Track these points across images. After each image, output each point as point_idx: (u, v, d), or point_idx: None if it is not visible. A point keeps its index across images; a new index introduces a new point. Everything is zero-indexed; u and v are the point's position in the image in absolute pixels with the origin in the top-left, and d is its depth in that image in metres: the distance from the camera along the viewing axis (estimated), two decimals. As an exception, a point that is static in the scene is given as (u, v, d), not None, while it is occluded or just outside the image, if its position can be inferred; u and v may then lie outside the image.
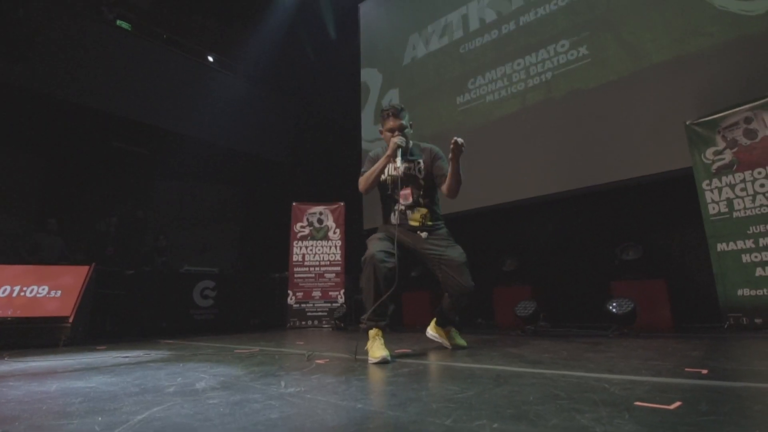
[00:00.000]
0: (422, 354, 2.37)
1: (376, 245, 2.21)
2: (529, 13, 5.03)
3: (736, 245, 3.19)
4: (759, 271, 3.06)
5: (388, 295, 2.13)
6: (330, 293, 5.60)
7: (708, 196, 3.37)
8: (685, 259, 3.94)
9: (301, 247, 5.73)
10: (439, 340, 2.60)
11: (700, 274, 3.74)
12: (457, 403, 1.16)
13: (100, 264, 4.32)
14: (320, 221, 5.84)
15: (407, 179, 2.39)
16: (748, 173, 3.18)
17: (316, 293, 5.59)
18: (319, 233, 5.80)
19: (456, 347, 2.54)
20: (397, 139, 2.31)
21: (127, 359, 2.47)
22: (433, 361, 2.09)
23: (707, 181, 3.39)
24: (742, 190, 3.20)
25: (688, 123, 3.52)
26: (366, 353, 2.10)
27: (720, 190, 3.31)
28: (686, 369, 1.57)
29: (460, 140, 2.15)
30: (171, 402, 1.27)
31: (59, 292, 3.72)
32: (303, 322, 5.47)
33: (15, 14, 5.46)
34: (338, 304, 5.52)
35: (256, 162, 8.28)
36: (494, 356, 2.16)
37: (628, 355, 1.99)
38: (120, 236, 6.00)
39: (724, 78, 3.64)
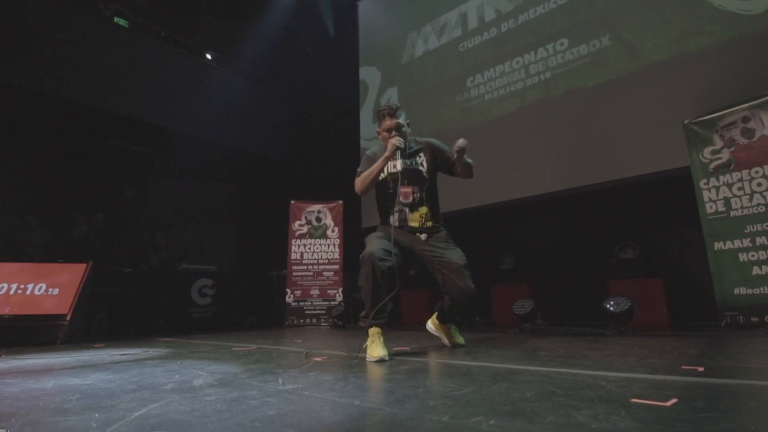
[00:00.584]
0: (420, 352, 2.37)
1: (374, 243, 2.20)
2: (528, 12, 5.03)
3: (733, 244, 3.20)
4: (756, 270, 3.07)
5: (391, 296, 2.13)
6: (328, 291, 5.60)
7: (705, 195, 3.38)
8: (683, 257, 3.96)
9: (299, 246, 5.73)
10: (438, 335, 2.60)
11: (697, 272, 3.75)
12: (455, 399, 1.16)
13: (90, 260, 4.30)
14: (318, 219, 5.84)
15: (410, 175, 2.35)
16: (745, 172, 3.18)
17: (315, 291, 5.59)
18: (317, 231, 5.80)
19: (454, 345, 2.53)
20: (396, 141, 2.28)
21: (124, 357, 2.47)
22: (431, 358, 2.10)
23: (705, 180, 3.39)
24: (739, 189, 3.21)
25: (686, 122, 3.52)
26: (365, 351, 2.10)
27: (717, 189, 3.32)
28: (683, 366, 1.57)
29: (459, 146, 2.15)
30: (168, 399, 1.27)
31: (57, 290, 3.72)
32: (301, 321, 5.47)
33: (12, 11, 5.43)
34: (336, 303, 5.52)
35: (254, 160, 8.26)
36: (492, 354, 2.16)
37: (625, 353, 2.00)
38: (109, 230, 5.94)
39: (723, 77, 3.64)
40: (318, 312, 5.52)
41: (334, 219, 5.85)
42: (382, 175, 2.35)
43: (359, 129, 6.69)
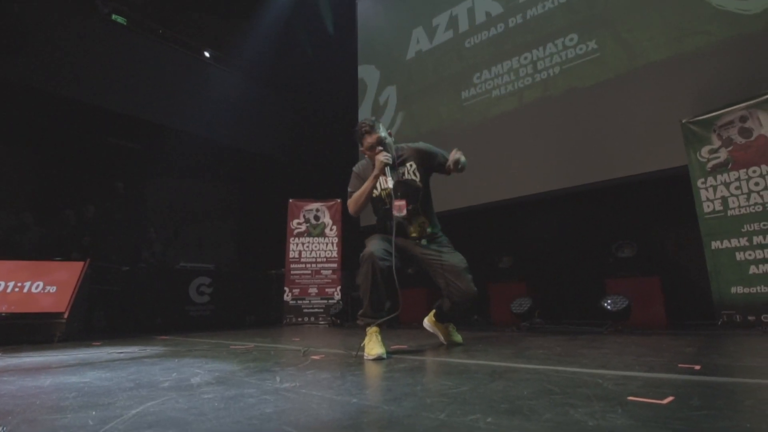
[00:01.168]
0: (418, 350, 2.37)
1: (375, 244, 2.20)
2: (526, 11, 5.03)
3: (731, 243, 3.21)
4: (753, 269, 3.08)
5: (395, 301, 2.14)
6: (326, 290, 5.60)
7: (703, 194, 3.39)
8: (680, 256, 3.97)
9: (297, 244, 5.72)
10: (435, 333, 2.60)
11: (694, 271, 3.77)
12: (452, 397, 1.16)
13: (79, 254, 4.29)
14: (317, 218, 5.84)
15: (403, 187, 2.31)
16: (743, 172, 3.19)
17: (313, 290, 5.59)
18: (315, 230, 5.79)
19: (452, 343, 2.54)
20: (383, 157, 2.21)
21: (122, 355, 2.47)
22: (429, 357, 2.10)
23: (702, 180, 3.40)
24: (736, 188, 3.22)
25: (684, 121, 3.53)
26: (363, 350, 2.10)
27: (715, 188, 3.33)
28: (679, 365, 1.58)
29: (454, 159, 2.15)
30: (165, 397, 1.27)
31: (54, 288, 3.71)
32: (299, 319, 5.47)
33: (9, 8, 5.40)
34: (335, 301, 5.52)
35: (252, 158, 8.25)
36: (489, 352, 2.16)
37: (622, 351, 2.01)
38: (106, 228, 5.91)
39: (721, 77, 3.65)
40: (316, 310, 5.53)
41: (332, 217, 5.85)
42: (375, 192, 2.32)
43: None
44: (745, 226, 3.15)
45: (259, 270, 6.36)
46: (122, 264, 5.35)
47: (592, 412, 0.97)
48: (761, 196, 3.09)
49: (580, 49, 4.50)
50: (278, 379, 1.53)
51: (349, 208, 2.38)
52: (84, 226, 5.46)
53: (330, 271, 5.69)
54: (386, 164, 2.21)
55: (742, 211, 3.17)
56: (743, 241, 3.15)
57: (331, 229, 5.80)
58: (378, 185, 2.29)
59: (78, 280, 3.83)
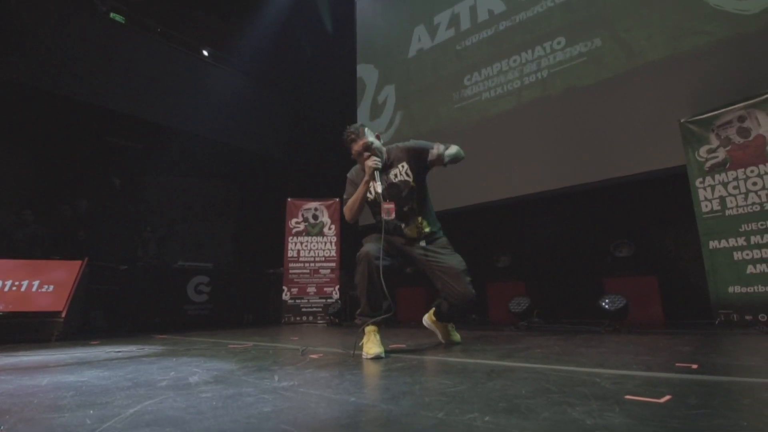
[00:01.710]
0: (416, 349, 2.37)
1: (371, 243, 2.20)
2: (525, 11, 5.03)
3: (728, 243, 3.22)
4: (750, 269, 3.09)
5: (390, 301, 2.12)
6: (325, 289, 5.60)
7: (701, 193, 3.39)
8: (678, 256, 3.98)
9: (296, 243, 5.72)
10: (434, 331, 2.59)
11: (692, 271, 3.78)
12: (450, 396, 1.16)
13: (76, 251, 4.27)
14: (315, 217, 5.83)
15: (396, 189, 2.29)
16: (740, 171, 3.20)
17: (311, 289, 5.59)
18: (314, 229, 5.79)
19: (450, 343, 2.54)
20: (371, 162, 2.19)
21: (119, 354, 2.46)
22: (427, 356, 2.10)
23: (700, 179, 3.41)
24: (734, 188, 3.22)
25: (682, 121, 3.54)
26: (361, 349, 2.10)
27: (713, 188, 3.34)
28: (677, 364, 1.58)
29: (434, 155, 2.16)
30: (163, 396, 1.26)
31: (51, 287, 3.70)
32: (298, 318, 5.47)
33: (7, 6, 5.38)
34: (333, 300, 5.52)
35: (251, 157, 8.24)
36: (487, 351, 2.17)
37: (620, 351, 2.01)
38: (104, 227, 5.89)
39: (719, 76, 3.65)
40: (315, 310, 5.52)
41: (330, 217, 5.85)
42: (370, 197, 2.29)
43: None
44: (742, 226, 3.15)
45: (257, 269, 6.36)
46: (120, 263, 5.34)
47: (589, 411, 0.97)
48: (759, 196, 3.10)
49: (579, 48, 4.50)
50: (276, 378, 1.53)
51: (345, 216, 2.37)
52: (78, 221, 5.44)
53: (328, 270, 5.69)
54: (375, 169, 2.19)
55: (740, 210, 3.18)
56: (741, 241, 3.16)
57: (329, 229, 5.80)
58: (372, 190, 2.27)
59: (75, 279, 3.82)
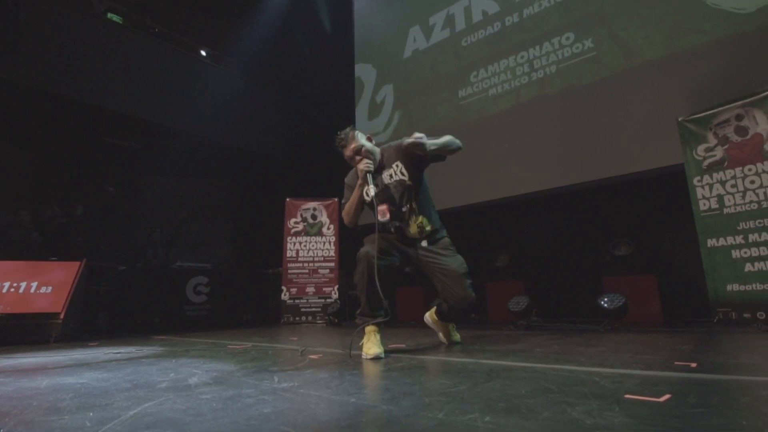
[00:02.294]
0: (416, 349, 2.37)
1: (372, 243, 2.18)
2: (523, 10, 5.03)
3: (726, 241, 3.22)
4: (748, 267, 3.10)
5: (390, 302, 2.14)
6: (324, 289, 5.60)
7: (699, 192, 3.40)
8: (676, 254, 3.99)
9: (294, 243, 5.71)
10: (435, 330, 2.59)
11: (690, 269, 3.79)
12: (450, 396, 1.17)
13: (74, 252, 4.27)
14: (314, 217, 5.83)
15: (392, 190, 2.26)
16: (738, 170, 3.21)
17: (310, 289, 5.59)
18: (313, 229, 5.79)
19: (451, 342, 2.54)
20: (362, 165, 2.18)
21: (119, 355, 2.46)
22: (427, 356, 2.10)
23: (698, 178, 3.41)
24: (732, 186, 3.23)
25: (680, 119, 3.54)
26: (361, 349, 2.10)
27: (711, 186, 3.34)
28: (676, 362, 1.59)
29: (408, 143, 2.03)
30: (163, 397, 1.26)
31: (50, 288, 3.69)
32: (297, 318, 5.47)
33: (4, 6, 5.36)
34: (332, 300, 5.52)
35: (249, 157, 8.23)
36: (487, 351, 2.17)
37: (619, 349, 2.01)
38: (96, 222, 5.86)
39: (716, 75, 3.66)
40: (314, 309, 5.52)
41: (329, 216, 5.84)
42: (367, 199, 2.24)
43: (355, 126, 6.66)
44: (740, 224, 3.16)
45: (256, 269, 6.35)
46: (119, 263, 5.33)
47: (589, 411, 0.97)
48: (757, 194, 3.11)
49: (577, 47, 4.51)
50: (276, 379, 1.53)
51: (345, 220, 2.35)
52: (75, 226, 5.43)
53: (327, 270, 5.68)
54: (366, 171, 2.18)
55: (738, 209, 3.19)
56: (739, 239, 3.16)
57: (328, 228, 5.80)
58: (368, 193, 2.23)
59: (74, 280, 3.81)
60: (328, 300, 5.54)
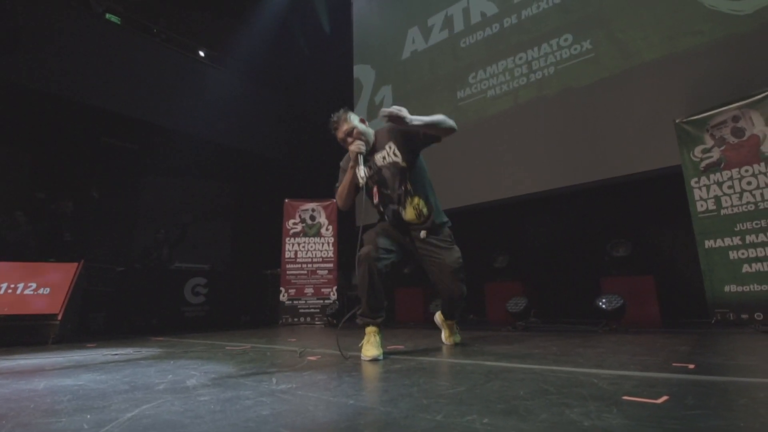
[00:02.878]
0: (415, 350, 2.37)
1: (370, 242, 2.17)
2: (521, 11, 5.04)
3: (724, 242, 3.23)
4: (746, 268, 3.11)
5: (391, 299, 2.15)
6: (322, 290, 5.59)
7: (696, 193, 3.41)
8: (674, 255, 4.00)
9: (293, 244, 5.71)
10: (440, 327, 2.63)
11: (688, 270, 3.79)
12: (448, 398, 1.17)
13: (71, 253, 4.26)
14: (313, 218, 5.83)
15: (386, 172, 2.20)
16: (735, 171, 3.22)
17: (309, 290, 5.58)
18: (311, 230, 5.78)
19: (451, 343, 2.55)
20: (354, 147, 2.14)
21: (116, 357, 2.45)
22: (425, 357, 2.10)
23: (696, 179, 3.42)
24: (729, 187, 3.24)
25: (677, 121, 3.55)
26: (359, 350, 2.10)
27: (708, 187, 3.35)
28: (674, 364, 1.59)
29: (384, 113, 1.93)
30: (161, 399, 1.26)
31: (48, 290, 3.68)
32: (295, 319, 5.46)
33: (1, 5, 5.35)
34: (331, 301, 5.51)
35: (247, 158, 8.23)
36: (485, 352, 2.17)
37: (617, 351, 2.02)
38: (87, 219, 5.85)
39: (714, 76, 3.68)
40: (312, 311, 5.52)
41: (328, 217, 5.84)
42: (361, 182, 2.15)
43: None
44: (738, 225, 3.17)
45: (254, 270, 6.34)
46: (117, 264, 5.32)
47: (587, 412, 0.97)
48: (754, 195, 3.12)
49: (575, 49, 4.52)
50: (274, 380, 1.52)
51: (338, 203, 2.33)
52: (65, 223, 5.39)
53: (326, 271, 5.68)
54: (358, 153, 2.13)
55: (735, 210, 3.20)
56: (736, 240, 3.17)
57: (327, 229, 5.80)
58: (362, 176, 2.13)
59: (72, 281, 3.80)
60: (326, 301, 5.53)
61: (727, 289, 3.19)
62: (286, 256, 5.66)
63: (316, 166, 7.53)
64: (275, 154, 8.40)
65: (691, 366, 1.52)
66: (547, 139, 4.56)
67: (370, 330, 2.13)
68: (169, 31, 7.71)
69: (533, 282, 4.55)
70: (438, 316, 2.64)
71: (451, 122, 2.08)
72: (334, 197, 5.95)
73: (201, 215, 8.16)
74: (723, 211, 3.26)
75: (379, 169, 2.22)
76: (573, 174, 4.35)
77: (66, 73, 5.88)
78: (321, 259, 5.71)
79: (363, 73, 6.84)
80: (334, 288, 5.60)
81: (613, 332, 2.99)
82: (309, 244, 5.73)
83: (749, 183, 3.15)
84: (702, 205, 3.37)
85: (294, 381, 1.51)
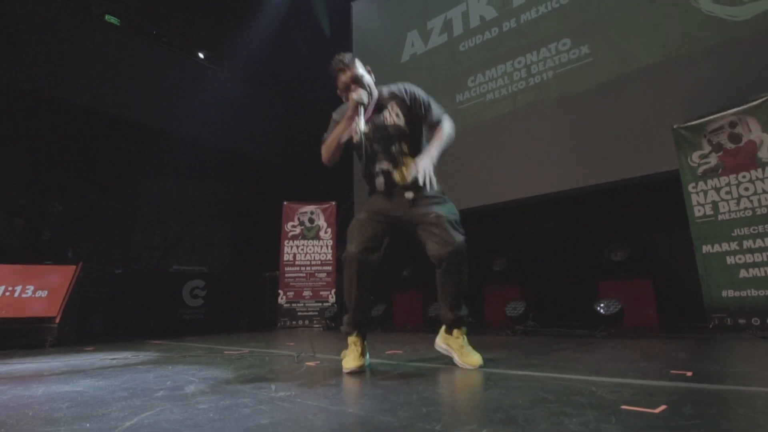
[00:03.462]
0: (413, 355, 2.38)
1: (356, 236, 1.97)
2: (519, 16, 5.06)
3: (721, 247, 3.24)
4: (743, 273, 3.12)
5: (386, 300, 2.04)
6: (321, 293, 5.59)
7: (694, 198, 3.42)
8: (672, 259, 4.01)
9: (292, 247, 5.71)
10: (447, 351, 2.01)
11: (686, 274, 3.80)
12: (447, 407, 1.17)
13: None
14: (311, 221, 5.83)
15: (384, 130, 1.99)
16: (732, 177, 3.23)
17: (307, 293, 5.58)
18: (310, 233, 5.78)
19: (468, 365, 1.86)
20: (355, 95, 1.91)
21: (115, 361, 2.45)
22: (424, 363, 2.10)
23: (693, 184, 3.44)
24: (727, 193, 3.25)
25: (675, 126, 3.57)
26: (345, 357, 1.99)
27: (706, 192, 3.37)
28: (672, 371, 1.59)
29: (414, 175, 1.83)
30: (160, 407, 1.26)
31: (46, 292, 3.67)
32: (293, 322, 5.46)
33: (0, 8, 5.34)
34: (329, 304, 5.51)
35: (246, 160, 8.22)
36: (484, 358, 2.17)
37: (616, 357, 2.02)
38: (98, 230, 5.83)
39: (711, 82, 3.69)
40: (311, 314, 5.51)
41: (327, 220, 5.84)
42: (355, 137, 1.94)
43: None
44: (735, 231, 3.18)
45: (253, 272, 6.34)
46: (115, 266, 5.30)
47: (586, 422, 0.98)
48: (751, 201, 3.13)
49: (573, 53, 4.53)
50: (273, 387, 1.52)
51: (322, 156, 2.07)
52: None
53: (324, 274, 5.68)
54: (360, 103, 1.90)
55: (733, 215, 3.21)
56: (734, 245, 3.19)
57: (325, 232, 5.80)
58: (357, 130, 1.89)
59: (70, 284, 3.79)
60: (325, 304, 5.53)
61: (724, 294, 3.20)
62: (285, 258, 5.66)
63: (315, 169, 7.52)
64: (274, 157, 8.40)
65: (689, 373, 1.53)
66: (545, 143, 4.57)
67: (353, 340, 1.99)
68: (168, 33, 7.71)
69: (532, 285, 4.56)
70: (441, 340, 2.05)
71: (452, 135, 2.04)
72: (333, 200, 5.96)
73: (199, 217, 8.15)
74: (720, 217, 3.27)
75: (377, 127, 1.99)
76: (572, 177, 4.36)
77: (65, 74, 5.87)
78: (320, 262, 5.71)
79: (362, 76, 6.84)
80: (333, 291, 5.60)
81: (612, 337, 3.00)
82: (308, 246, 5.73)
83: (746, 189, 3.16)
84: (699, 210, 3.39)
85: (293, 388, 1.51)
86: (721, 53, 3.71)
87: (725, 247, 3.23)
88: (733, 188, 3.23)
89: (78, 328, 4.05)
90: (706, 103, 3.55)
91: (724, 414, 1.04)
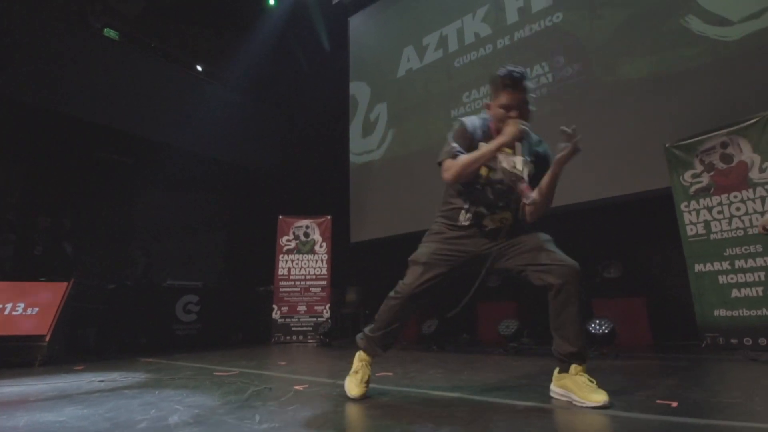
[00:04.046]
0: (403, 378, 2.36)
1: (419, 274, 1.79)
2: (513, 33, 5.12)
3: (713, 266, 3.25)
4: (735, 293, 3.12)
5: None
6: (315, 308, 5.56)
7: (686, 217, 3.44)
8: (665, 277, 4.01)
9: (287, 261, 5.69)
10: (566, 395, 1.66)
11: (679, 292, 3.80)
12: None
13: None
14: (306, 235, 5.82)
15: (515, 176, 1.73)
16: (724, 196, 3.25)
17: (302, 308, 5.55)
18: (305, 247, 5.77)
19: (591, 403, 1.52)
20: (521, 127, 1.72)
21: (102, 384, 2.43)
22: (412, 388, 2.09)
23: (686, 203, 3.46)
24: (719, 212, 3.27)
25: (667, 146, 3.59)
26: (347, 377, 1.97)
27: (698, 212, 3.38)
28: (657, 401, 1.59)
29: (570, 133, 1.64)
30: (140, 443, 1.25)
31: (36, 310, 3.64)
32: (287, 337, 5.42)
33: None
34: (324, 319, 5.48)
35: (243, 173, 8.24)
36: (474, 382, 2.16)
37: (605, 382, 2.00)
38: (93, 244, 5.82)
39: (703, 101, 3.74)
40: (305, 329, 5.48)
41: (322, 234, 5.83)
42: (509, 169, 1.71)
43: (348, 144, 6.72)
44: (727, 250, 3.20)
45: (247, 287, 6.31)
46: (108, 281, 5.28)
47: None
48: (742, 221, 3.15)
49: (566, 71, 4.58)
50: (257, 418, 1.51)
51: (450, 172, 1.76)
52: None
53: (319, 289, 5.65)
54: (518, 139, 1.72)
55: (725, 235, 3.22)
56: (725, 265, 3.19)
57: (320, 246, 5.79)
58: (502, 161, 1.70)
59: (61, 300, 3.77)
60: (319, 319, 5.50)
61: (716, 313, 3.20)
62: (280, 273, 5.64)
63: (311, 183, 7.55)
64: (270, 170, 8.42)
65: (674, 404, 1.52)
66: (539, 160, 4.59)
67: (367, 361, 1.89)
68: (166, 46, 7.77)
69: (526, 301, 4.55)
70: (556, 385, 1.74)
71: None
72: (328, 214, 5.94)
73: (194, 230, 8.14)
74: (712, 236, 3.29)
75: (508, 172, 1.72)
76: (565, 194, 4.37)
77: (62, 88, 5.89)
78: (314, 277, 5.69)
79: (359, 90, 6.90)
80: (327, 306, 5.58)
81: (603, 357, 2.99)
82: (302, 261, 5.72)
83: (738, 209, 3.18)
84: (692, 229, 3.40)
85: (277, 418, 1.50)
86: (712, 73, 3.76)
87: (717, 266, 3.24)
88: (725, 208, 3.25)
89: (69, 345, 4.02)
90: (698, 122, 3.58)
91: (704, 456, 1.04)
